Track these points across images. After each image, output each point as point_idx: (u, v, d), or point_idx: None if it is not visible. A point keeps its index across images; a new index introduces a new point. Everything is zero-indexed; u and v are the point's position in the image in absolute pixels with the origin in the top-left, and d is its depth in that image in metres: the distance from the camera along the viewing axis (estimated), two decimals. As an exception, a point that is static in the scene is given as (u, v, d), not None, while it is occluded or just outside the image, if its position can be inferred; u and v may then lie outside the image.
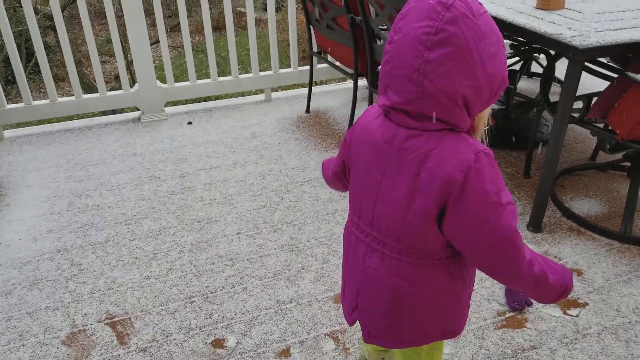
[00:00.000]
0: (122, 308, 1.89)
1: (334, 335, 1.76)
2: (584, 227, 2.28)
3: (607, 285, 1.97)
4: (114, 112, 3.74)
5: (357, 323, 1.21)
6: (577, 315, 1.84)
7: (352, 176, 1.15)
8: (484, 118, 1.08)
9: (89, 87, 10.06)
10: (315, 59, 3.47)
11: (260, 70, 3.62)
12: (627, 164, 2.41)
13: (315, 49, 3.38)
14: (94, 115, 3.72)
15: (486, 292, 1.93)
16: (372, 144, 1.06)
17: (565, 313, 1.84)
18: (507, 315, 1.83)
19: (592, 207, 2.43)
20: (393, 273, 1.08)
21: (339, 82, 4.23)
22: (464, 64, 0.91)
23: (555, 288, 1.06)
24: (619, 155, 2.37)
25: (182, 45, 3.56)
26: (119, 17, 3.35)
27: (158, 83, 3.36)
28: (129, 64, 7.81)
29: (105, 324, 1.83)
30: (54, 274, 2.06)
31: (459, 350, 1.69)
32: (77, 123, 3.36)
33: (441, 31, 0.90)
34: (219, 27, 12.36)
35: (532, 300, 1.88)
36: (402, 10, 0.96)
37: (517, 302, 1.86)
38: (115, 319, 1.84)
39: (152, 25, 7.75)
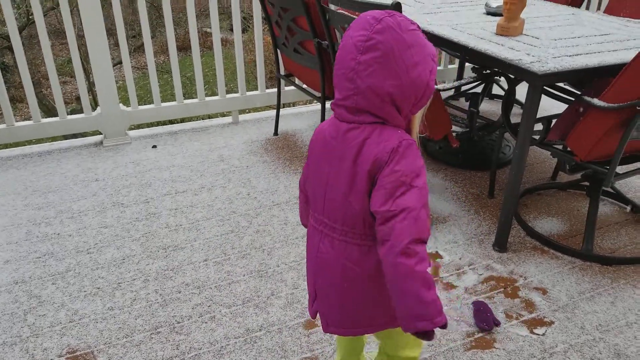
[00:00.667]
0: (85, 341, 1.82)
1: (305, 363, 1.74)
2: (547, 245, 2.34)
3: (572, 303, 2.01)
4: (74, 135, 3.65)
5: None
6: (543, 334, 1.87)
7: (307, 172, 1.29)
8: (416, 120, 1.22)
9: (48, 109, 9.82)
10: (282, 81, 3.48)
11: (227, 91, 3.60)
12: (586, 183, 2.49)
13: (282, 72, 3.39)
14: (53, 139, 3.62)
15: (455, 314, 1.94)
16: (321, 141, 1.22)
17: (532, 332, 1.87)
18: (476, 336, 1.85)
19: (554, 226, 2.49)
20: (341, 255, 1.20)
21: (306, 103, 4.25)
22: (389, 66, 1.08)
23: (421, 301, 1.06)
24: (578, 175, 2.45)
25: (146, 66, 3.52)
26: (80, 36, 3.29)
27: (121, 106, 3.30)
28: (91, 85, 7.67)
29: (67, 358, 1.75)
30: (12, 307, 1.97)
31: (430, 374, 1.69)
32: (35, 148, 3.26)
33: (371, 39, 1.08)
34: (184, 47, 12.30)
35: (500, 320, 1.91)
36: (351, 24, 1.15)
37: (485, 323, 1.88)
38: (77, 353, 1.77)
39: (115, 45, 7.65)
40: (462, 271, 2.17)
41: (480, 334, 1.86)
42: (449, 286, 2.09)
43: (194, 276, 2.14)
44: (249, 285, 2.09)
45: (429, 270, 1.09)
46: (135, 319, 1.92)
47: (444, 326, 1.08)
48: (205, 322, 1.90)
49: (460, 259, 2.25)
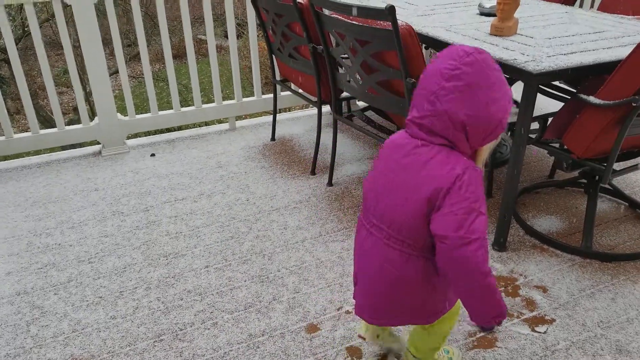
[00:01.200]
0: (88, 351, 1.82)
1: (308, 367, 1.74)
2: (547, 244, 2.35)
3: (572, 300, 2.02)
4: (73, 146, 3.65)
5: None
6: (545, 332, 1.87)
7: (370, 176, 1.42)
8: (483, 152, 1.32)
9: (46, 120, 9.82)
10: (278, 87, 3.49)
11: (224, 98, 3.62)
12: (584, 180, 2.50)
13: (278, 77, 3.41)
14: (52, 150, 3.63)
15: (457, 314, 1.95)
16: (390, 150, 1.35)
17: (533, 330, 1.88)
18: (478, 336, 1.86)
19: (553, 224, 2.50)
20: (382, 255, 1.35)
21: (303, 108, 4.27)
22: (468, 97, 1.19)
23: (498, 304, 1.28)
24: (575, 173, 2.46)
25: (142, 75, 3.53)
26: (76, 47, 3.30)
27: (119, 115, 3.31)
28: (88, 95, 7.67)
29: (70, 369, 1.76)
30: (14, 318, 1.98)
31: (434, 374, 1.70)
32: (34, 159, 3.27)
33: (458, 69, 1.19)
34: (179, 54, 12.33)
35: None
36: (438, 53, 1.27)
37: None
38: (81, 363, 1.78)
39: (110, 54, 7.67)
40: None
41: (482, 334, 1.86)
42: (450, 286, 2.09)
43: (196, 283, 2.14)
44: (250, 290, 2.09)
45: None
46: (138, 327, 1.92)
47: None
48: (208, 329, 1.91)
49: (460, 259, 2.25)
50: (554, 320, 1.93)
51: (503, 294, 2.05)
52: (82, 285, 2.15)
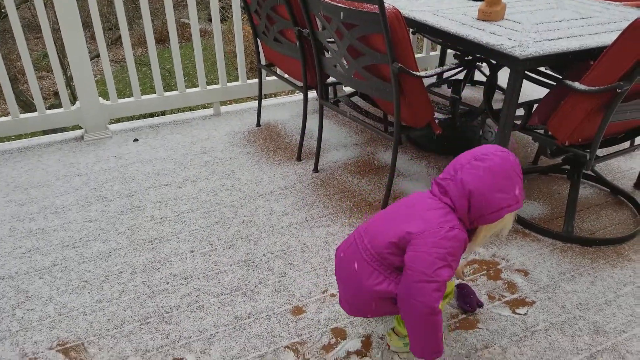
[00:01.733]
0: (74, 333, 1.82)
1: (294, 347, 1.76)
2: (529, 229, 2.39)
3: (552, 283, 2.07)
4: (54, 131, 3.60)
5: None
6: (525, 314, 1.91)
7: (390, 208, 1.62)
8: (481, 234, 1.52)
9: (26, 104, 9.64)
10: (263, 71, 3.47)
11: (208, 83, 3.58)
12: (567, 167, 2.54)
13: (263, 61, 3.38)
14: (33, 134, 3.57)
15: (441, 297, 1.98)
16: (415, 195, 1.59)
17: (514, 312, 1.92)
18: (460, 317, 1.89)
19: (535, 209, 2.54)
20: (355, 262, 1.52)
21: (288, 94, 4.25)
22: (483, 177, 1.42)
23: (437, 343, 1.45)
24: (559, 159, 2.49)
25: (124, 59, 3.48)
26: (56, 30, 3.23)
27: (101, 100, 3.27)
28: (69, 80, 7.54)
29: (57, 350, 1.75)
30: (-2, 303, 1.96)
31: (418, 355, 1.73)
32: (15, 144, 3.22)
33: (489, 154, 1.46)
34: (162, 39, 12.15)
35: (482, 302, 1.95)
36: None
37: (468, 305, 1.92)
38: (68, 345, 1.77)
39: (91, 38, 7.54)
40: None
41: (464, 315, 1.90)
42: (434, 270, 2.12)
43: (181, 267, 2.14)
44: (236, 274, 2.10)
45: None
46: (124, 311, 1.92)
47: None
48: (194, 312, 1.91)
49: (444, 243, 2.28)
50: (534, 302, 1.97)
51: (485, 277, 2.08)
52: (67, 269, 2.13)
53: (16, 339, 1.80)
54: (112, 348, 1.76)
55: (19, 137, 3.42)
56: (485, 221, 1.46)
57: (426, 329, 1.43)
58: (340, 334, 1.81)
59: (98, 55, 3.53)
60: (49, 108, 3.29)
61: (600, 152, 2.15)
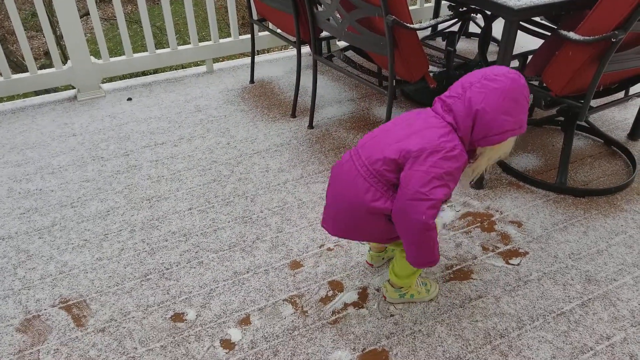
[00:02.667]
0: (76, 291, 1.86)
1: (292, 300, 1.80)
2: (523, 181, 2.41)
3: (545, 234, 2.10)
4: (47, 91, 3.55)
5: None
6: (518, 264, 1.96)
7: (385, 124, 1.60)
8: (485, 158, 1.51)
9: (17, 65, 9.48)
10: (256, 27, 3.41)
11: (200, 40, 3.52)
12: (561, 118, 2.54)
13: (255, 17, 3.32)
14: (25, 95, 3.54)
15: (435, 249, 2.01)
16: (410, 113, 1.56)
17: (507, 262, 1.96)
18: (454, 269, 1.93)
19: (529, 161, 2.56)
20: (351, 178, 1.50)
21: (282, 49, 4.19)
22: (492, 97, 1.39)
23: (432, 254, 1.49)
24: (553, 111, 2.49)
25: (114, 17, 3.41)
26: (44, -12, 3.15)
27: (92, 59, 3.22)
28: (59, 39, 7.39)
29: (60, 307, 1.80)
30: (1, 262, 1.99)
31: (410, 305, 1.78)
32: (8, 105, 3.19)
33: (500, 76, 1.42)
34: (152, -4, 11.84)
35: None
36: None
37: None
38: (70, 302, 1.81)
39: (80, -4, 7.34)
40: (440, 208, 2.23)
41: (459, 266, 1.94)
42: (429, 223, 2.15)
43: (180, 225, 2.17)
44: (234, 231, 2.13)
45: None
46: (125, 268, 1.96)
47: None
48: (194, 267, 1.95)
49: (439, 197, 2.31)
50: (527, 253, 2.01)
51: (479, 229, 2.12)
52: (67, 229, 2.16)
53: (19, 297, 1.84)
54: (113, 304, 1.81)
55: (10, 98, 3.37)
56: (487, 143, 1.44)
57: (421, 244, 1.45)
58: (337, 286, 1.86)
59: (87, 13, 3.44)
60: (40, 68, 3.24)
61: (594, 102, 2.15)
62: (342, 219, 1.56)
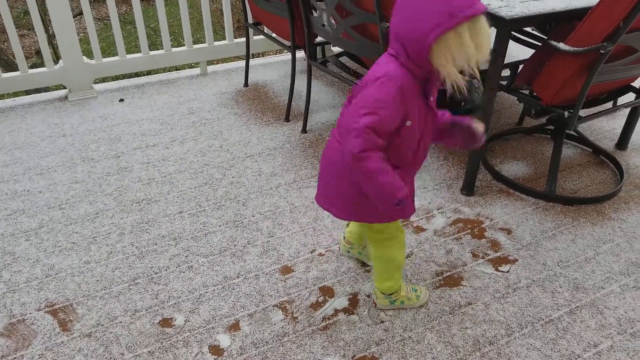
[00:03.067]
0: (63, 295, 1.84)
1: (282, 306, 1.80)
2: (513, 188, 2.42)
3: (534, 241, 2.11)
4: (37, 91, 3.53)
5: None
6: (507, 271, 1.97)
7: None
8: (440, 65, 1.29)
9: (7, 63, 9.41)
10: (251, 30, 3.41)
11: (194, 42, 3.52)
12: (551, 127, 2.56)
13: (250, 20, 3.32)
14: (15, 94, 3.51)
15: (424, 255, 2.02)
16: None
17: (497, 269, 1.97)
18: (444, 275, 1.94)
19: (519, 169, 2.57)
20: (331, 146, 1.52)
21: (276, 53, 4.19)
22: (403, 10, 1.30)
23: (388, 190, 1.37)
24: (543, 120, 2.51)
25: (108, 17, 3.39)
26: (37, -14, 3.13)
27: (85, 59, 3.21)
28: (51, 38, 7.34)
29: (46, 312, 1.78)
30: (-14, 264, 1.97)
31: (401, 311, 1.78)
32: (-2, 104, 3.17)
33: None
34: (146, -4, 11.80)
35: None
36: None
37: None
38: (56, 306, 1.80)
39: (73, -5, 7.29)
40: (431, 215, 2.24)
41: (449, 273, 1.95)
42: (419, 229, 2.16)
43: (170, 228, 2.16)
44: (225, 235, 2.12)
45: None
46: (113, 272, 1.94)
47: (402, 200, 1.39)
48: (183, 272, 1.94)
49: (429, 203, 2.32)
50: (516, 260, 2.02)
51: (469, 236, 2.13)
52: (54, 231, 2.14)
53: (3, 301, 1.82)
54: (100, 309, 1.79)
55: (0, 97, 3.35)
56: (424, 54, 1.28)
57: (363, 179, 1.37)
58: (328, 292, 1.86)
59: (81, 13, 3.42)
60: (32, 67, 3.22)
61: (583, 112, 2.17)
62: (331, 192, 1.58)
